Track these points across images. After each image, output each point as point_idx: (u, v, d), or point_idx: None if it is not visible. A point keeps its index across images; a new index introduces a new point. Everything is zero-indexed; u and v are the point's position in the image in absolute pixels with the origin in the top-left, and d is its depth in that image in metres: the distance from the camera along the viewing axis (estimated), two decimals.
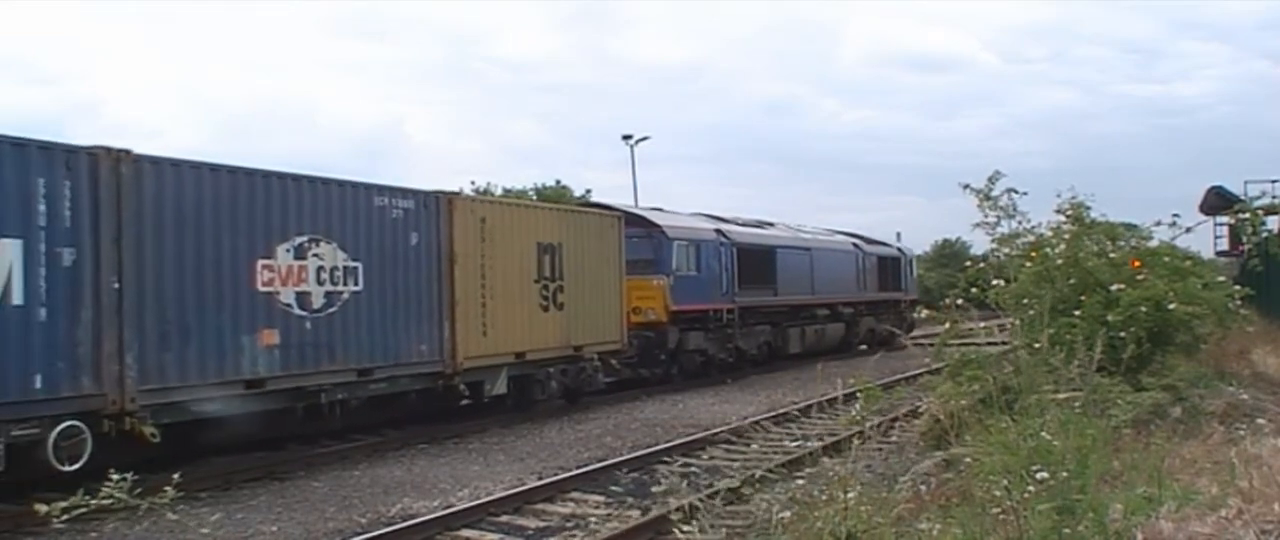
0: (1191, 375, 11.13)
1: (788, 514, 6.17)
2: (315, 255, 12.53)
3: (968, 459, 6.39)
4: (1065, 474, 4.67)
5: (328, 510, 10.29)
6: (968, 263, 11.75)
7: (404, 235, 13.95)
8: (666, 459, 12.60)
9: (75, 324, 9.85)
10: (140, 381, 10.35)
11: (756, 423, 15.16)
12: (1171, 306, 10.33)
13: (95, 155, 10.13)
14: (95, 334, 10.00)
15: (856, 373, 8.69)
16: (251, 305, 11.69)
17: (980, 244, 13.38)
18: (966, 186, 10.96)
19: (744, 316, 23.77)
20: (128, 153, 10.43)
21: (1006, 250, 11.24)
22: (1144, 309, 10.04)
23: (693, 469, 12.06)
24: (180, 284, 10.93)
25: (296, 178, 12.45)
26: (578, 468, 12.19)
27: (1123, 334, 8.93)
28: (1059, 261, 10.73)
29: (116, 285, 10.18)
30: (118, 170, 10.28)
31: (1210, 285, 12.15)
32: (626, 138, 44.99)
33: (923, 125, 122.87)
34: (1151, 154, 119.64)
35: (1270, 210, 13.04)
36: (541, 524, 9.72)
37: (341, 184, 13.10)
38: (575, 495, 10.86)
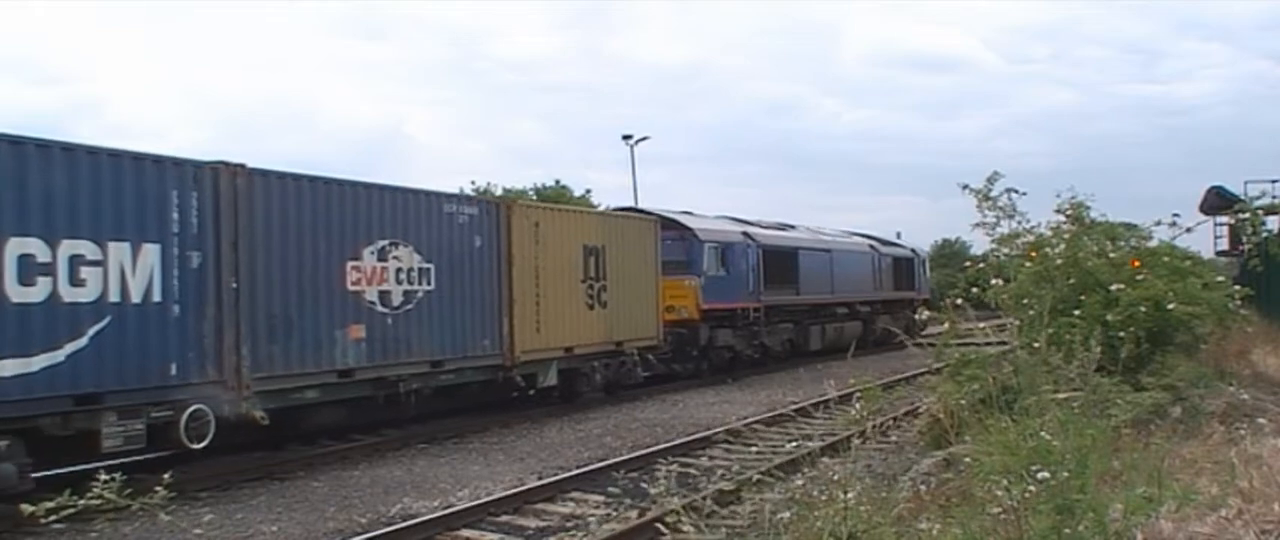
0: (1191, 375, 11.11)
1: (788, 514, 6.16)
2: (395, 258, 13.81)
3: (967, 459, 6.38)
4: (1065, 474, 4.66)
5: (328, 510, 10.29)
6: (967, 263, 11.75)
7: (469, 239, 15.28)
8: (661, 461, 12.59)
9: (202, 319, 11.14)
10: (253, 370, 11.63)
11: (753, 424, 15.16)
12: (1171, 306, 10.32)
13: (216, 170, 11.44)
14: (217, 328, 11.26)
15: (858, 372, 8.69)
16: (342, 303, 12.97)
17: (980, 244, 13.38)
18: (966, 187, 10.94)
19: (769, 315, 25.01)
20: (242, 167, 11.72)
21: (1006, 250, 11.23)
22: (1144, 309, 10.04)
23: (691, 470, 12.07)
24: (284, 284, 12.17)
25: (380, 188, 13.79)
26: (578, 468, 12.18)
27: (1122, 334, 8.92)
28: (1058, 261, 10.72)
29: (234, 285, 11.47)
30: (234, 183, 11.57)
31: (1210, 285, 12.14)
32: (626, 138, 45.04)
33: (923, 125, 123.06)
34: (1151, 154, 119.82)
35: (1270, 210, 13.03)
36: (541, 524, 9.71)
37: (417, 193, 14.44)
38: (575, 495, 10.85)
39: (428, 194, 14.65)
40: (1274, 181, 21.87)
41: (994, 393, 6.93)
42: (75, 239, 9.90)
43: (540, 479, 11.55)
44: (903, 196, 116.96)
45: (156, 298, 10.66)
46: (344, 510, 10.28)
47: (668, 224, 22.00)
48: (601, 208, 41.50)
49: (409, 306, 14.01)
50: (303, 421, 13.14)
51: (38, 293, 9.56)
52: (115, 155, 10.52)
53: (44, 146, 9.81)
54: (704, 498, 7.65)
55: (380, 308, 13.53)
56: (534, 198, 45.86)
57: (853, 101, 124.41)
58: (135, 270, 10.45)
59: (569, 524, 9.63)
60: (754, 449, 13.36)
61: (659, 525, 7.41)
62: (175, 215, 10.92)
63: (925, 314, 9.94)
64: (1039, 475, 4.63)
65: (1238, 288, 12.41)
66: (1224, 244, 25.94)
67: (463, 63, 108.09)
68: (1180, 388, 10.26)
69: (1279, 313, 18.69)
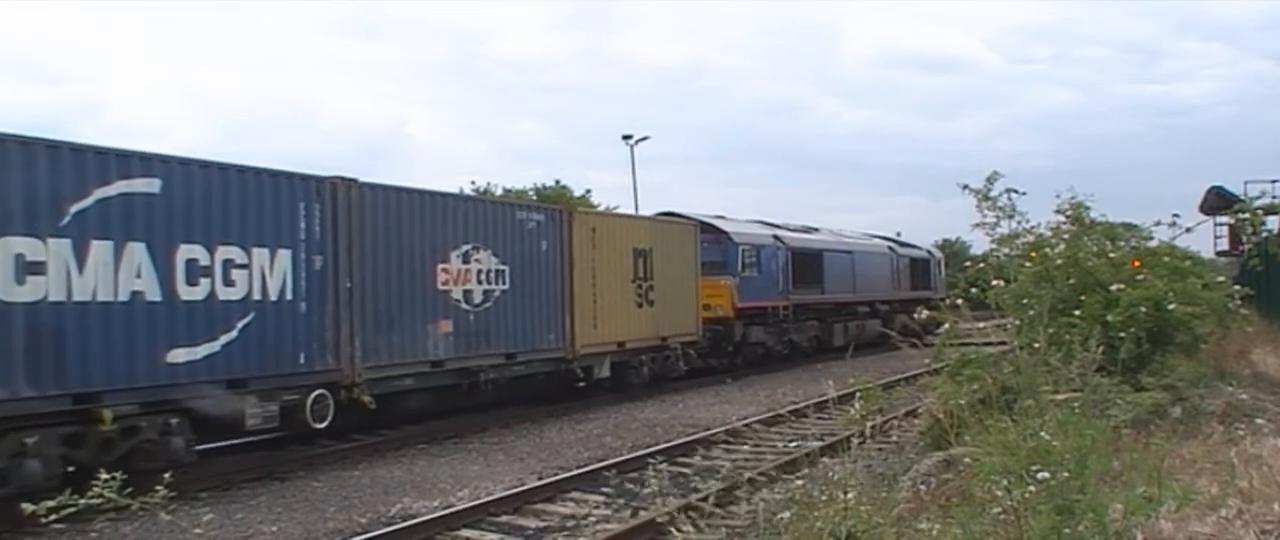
0: (1191, 375, 11.11)
1: (787, 514, 6.16)
2: (476, 260, 15.46)
3: (967, 459, 6.38)
4: (1065, 474, 4.66)
5: (328, 510, 10.29)
6: (967, 263, 11.76)
7: (537, 243, 16.85)
8: (653, 461, 12.57)
9: (323, 315, 12.70)
10: (363, 360, 13.20)
11: (753, 424, 15.16)
12: (1171, 306, 10.32)
13: (334, 184, 13.01)
14: (335, 323, 12.84)
15: (858, 372, 8.69)
16: (433, 301, 14.56)
17: (980, 244, 13.38)
18: (965, 187, 10.94)
19: (796, 313, 26.72)
20: (354, 181, 13.28)
21: (1006, 250, 11.23)
22: (1144, 309, 10.03)
23: (690, 470, 12.06)
24: (386, 284, 13.71)
25: (464, 198, 16.06)
26: (578, 468, 12.18)
27: (1122, 334, 8.92)
28: (1058, 262, 10.72)
29: (348, 285, 13.04)
30: (348, 195, 13.12)
31: (1210, 285, 12.14)
32: (627, 138, 45.01)
33: (923, 125, 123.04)
34: (1151, 154, 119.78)
35: (1270, 210, 13.02)
36: (541, 524, 9.71)
37: (494, 203, 16.70)
38: (575, 495, 10.85)
39: (503, 204, 17.00)
40: (1274, 181, 21.86)
41: (994, 393, 6.93)
42: (227, 245, 11.51)
43: (540, 479, 11.55)
44: (903, 196, 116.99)
45: (288, 296, 12.26)
46: (344, 510, 10.28)
47: (705, 228, 23.41)
48: (601, 208, 41.74)
49: (488, 304, 15.67)
50: (399, 406, 14.53)
51: (200, 292, 11.18)
52: (257, 172, 12.12)
53: (205, 166, 11.43)
54: (703, 498, 7.66)
55: (464, 305, 15.18)
56: (534, 198, 45.90)
57: (853, 101, 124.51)
58: (272, 272, 12.05)
59: (569, 524, 9.62)
60: (753, 449, 13.36)
61: (671, 527, 7.41)
62: (302, 224, 12.52)
63: (924, 313, 9.92)
64: (1039, 475, 4.63)
65: (1238, 288, 12.41)
66: (1224, 244, 25.93)
67: (463, 63, 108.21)
68: (1180, 388, 10.26)
69: (1279, 313, 18.69)
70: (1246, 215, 11.73)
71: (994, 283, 10.16)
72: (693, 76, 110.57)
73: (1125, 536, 4.71)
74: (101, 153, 10.37)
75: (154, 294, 10.66)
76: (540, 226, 17.01)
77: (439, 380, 14.85)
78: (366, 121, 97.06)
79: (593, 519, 9.76)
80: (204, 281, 11.20)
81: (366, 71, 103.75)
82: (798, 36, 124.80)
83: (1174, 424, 8.42)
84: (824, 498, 5.72)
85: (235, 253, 11.58)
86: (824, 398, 11.39)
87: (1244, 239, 13.53)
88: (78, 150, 10.17)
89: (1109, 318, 9.76)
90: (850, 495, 5.36)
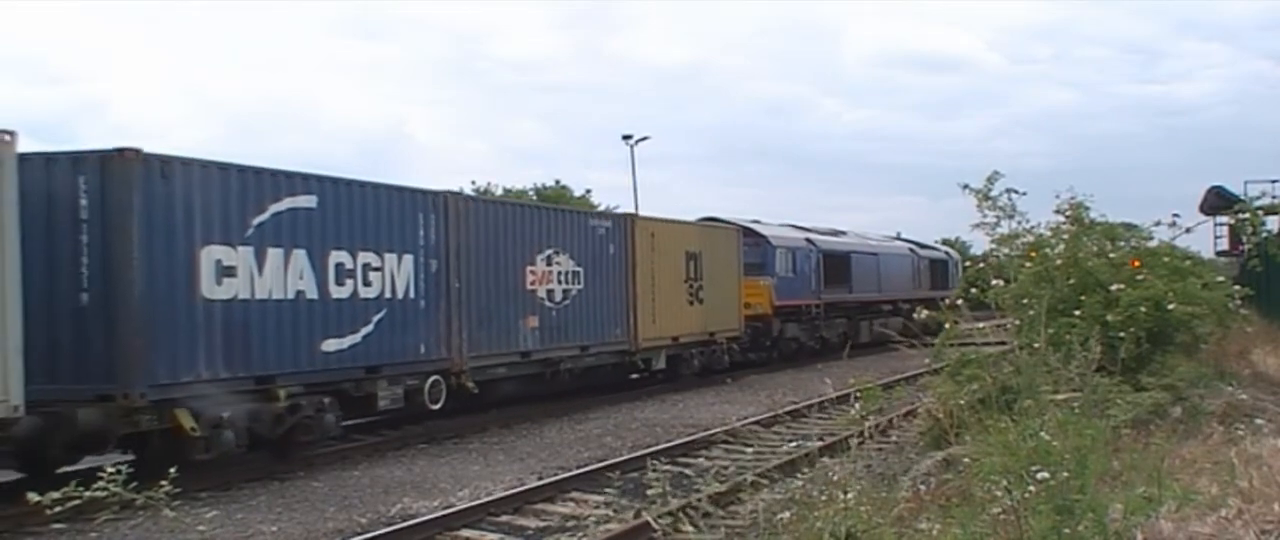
0: (1191, 375, 11.11)
1: (787, 514, 6.17)
2: (557, 262, 17.31)
3: (967, 459, 6.38)
4: (1065, 474, 4.66)
5: (328, 510, 10.29)
6: (967, 263, 11.77)
7: (606, 247, 18.89)
8: (662, 460, 12.58)
9: (437, 311, 14.52)
10: (468, 351, 15.05)
11: (752, 425, 15.16)
12: (1171, 306, 10.32)
13: (446, 197, 15.10)
14: (447, 318, 14.68)
15: (858, 372, 8.69)
16: (522, 299, 16.45)
17: (980, 244, 13.38)
18: (966, 186, 10.95)
19: (827, 311, 28.64)
20: (461, 195, 15.79)
21: (1006, 250, 11.23)
22: (1143, 309, 10.03)
23: (689, 470, 12.07)
24: (486, 284, 15.60)
25: (547, 208, 19.02)
26: (578, 468, 12.18)
27: (1122, 334, 8.92)
28: (1058, 262, 10.72)
29: (457, 285, 14.87)
30: (457, 206, 15.17)
31: (1210, 285, 12.15)
32: (627, 138, 44.97)
33: (924, 125, 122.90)
34: (1151, 154, 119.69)
35: (1270, 210, 13.04)
36: (541, 524, 9.71)
37: (571, 212, 19.20)
38: (575, 495, 10.84)
39: (578, 213, 19.34)
40: (1274, 181, 21.77)
41: (993, 393, 6.93)
42: (366, 251, 13.32)
43: (540, 479, 11.55)
44: (903, 196, 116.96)
45: (412, 295, 14.05)
46: (344, 510, 10.28)
47: (746, 232, 25.35)
48: (601, 207, 42.02)
49: (566, 302, 17.50)
50: (493, 392, 16.31)
51: (346, 291, 12.97)
52: (389, 189, 14.15)
53: (350, 183, 13.33)
54: (702, 498, 7.66)
55: (547, 303, 17.04)
56: (534, 197, 45.93)
57: (853, 101, 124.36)
58: (399, 274, 13.82)
59: (569, 524, 9.62)
60: (753, 449, 13.36)
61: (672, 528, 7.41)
62: (422, 232, 14.31)
63: (924, 313, 9.92)
64: (1039, 475, 4.63)
65: (1238, 288, 12.41)
66: (1224, 244, 25.88)
67: (463, 63, 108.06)
68: (1180, 388, 10.26)
69: (1279, 313, 18.69)
70: (1246, 215, 11.75)
71: (994, 282, 10.17)
72: (693, 76, 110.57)
73: (1125, 536, 4.71)
74: (274, 174, 12.22)
75: (312, 292, 12.48)
76: (608, 232, 19.06)
77: (526, 369, 16.89)
78: (367, 121, 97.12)
79: (593, 519, 9.75)
80: (349, 282, 13.04)
81: (367, 71, 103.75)
82: (798, 36, 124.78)
83: (1174, 424, 8.43)
84: (824, 498, 5.73)
85: (372, 257, 13.42)
86: (823, 398, 11.41)
87: (1244, 239, 13.54)
88: (258, 172, 12.03)
89: (1109, 318, 9.76)
90: (850, 495, 5.37)
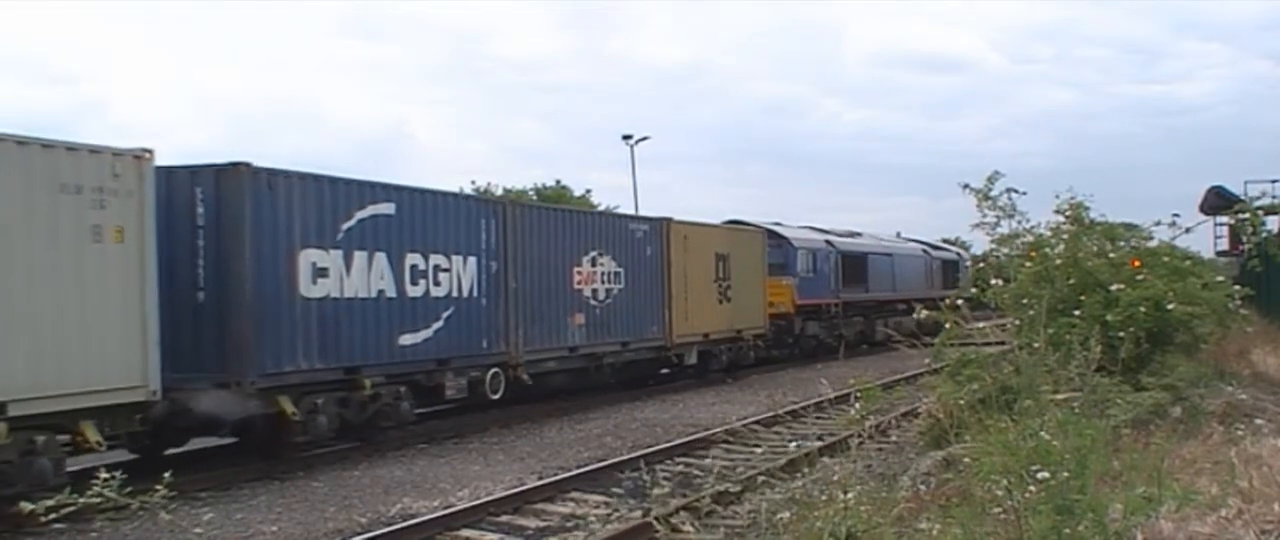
0: (1191, 375, 11.10)
1: (787, 514, 6.16)
2: (600, 264, 18.58)
3: (967, 459, 6.38)
4: (1065, 474, 4.66)
5: (328, 510, 10.28)
6: (968, 263, 11.78)
7: (643, 249, 20.13)
8: (662, 460, 12.58)
9: (497, 309, 15.81)
10: (524, 345, 16.35)
11: (752, 425, 15.16)
12: (1171, 306, 10.32)
13: (504, 203, 16.99)
14: (505, 315, 15.98)
15: (858, 372, 8.68)
16: (570, 297, 17.70)
17: (980, 244, 13.37)
18: (966, 186, 10.95)
19: (845, 309, 29.76)
20: (517, 202, 17.75)
21: (1006, 250, 11.23)
22: (1143, 309, 10.03)
23: (692, 470, 12.06)
24: (538, 283, 16.82)
25: (592, 213, 20.48)
26: (578, 468, 12.17)
27: (1122, 334, 8.92)
28: (1058, 262, 10.71)
29: (513, 284, 16.13)
30: (513, 212, 16.59)
31: (1210, 285, 12.14)
32: (627, 138, 44.97)
33: (924, 125, 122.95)
34: (1151, 154, 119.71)
35: (1270, 210, 13.03)
36: (541, 524, 9.70)
37: (613, 216, 20.93)
38: (575, 495, 10.83)
39: (619, 217, 20.79)
40: (1274, 181, 21.81)
41: (993, 393, 6.93)
42: (436, 254, 14.53)
43: (540, 479, 11.54)
44: (903, 196, 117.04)
45: (475, 294, 15.30)
46: (344, 510, 10.28)
47: (769, 234, 26.56)
48: (602, 207, 42.10)
49: (609, 301, 18.76)
50: (544, 384, 17.41)
51: (419, 290, 14.19)
52: (455, 197, 16.23)
53: (422, 192, 14.74)
54: (701, 498, 7.66)
55: (592, 301, 18.30)
56: (534, 197, 45.92)
57: (853, 101, 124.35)
58: (465, 274, 15.07)
59: (569, 524, 9.61)
60: (755, 449, 13.34)
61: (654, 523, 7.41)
62: (483, 236, 15.57)
63: (923, 313, 9.91)
64: (1039, 475, 4.63)
65: (1238, 288, 12.40)
66: (1224, 244, 25.90)
67: (464, 63, 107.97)
68: (1180, 388, 10.26)
69: (1279, 313, 18.69)
70: (1246, 215, 11.74)
71: (993, 282, 10.16)
72: (693, 76, 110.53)
73: (1125, 536, 4.71)
74: (360, 185, 13.57)
75: (391, 291, 13.68)
76: (646, 235, 20.32)
77: (574, 363, 18.18)
78: (368, 121, 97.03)
79: (593, 519, 9.74)
80: (422, 282, 14.26)
81: (367, 71, 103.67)
82: (798, 36, 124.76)
83: (1174, 424, 8.42)
84: (824, 497, 5.72)
85: (441, 259, 14.63)
86: (822, 398, 11.40)
87: (1244, 239, 13.53)
88: (346, 182, 13.28)
89: (1109, 318, 9.75)
90: (850, 495, 5.36)
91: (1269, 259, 12.62)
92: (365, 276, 13.25)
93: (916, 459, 10.52)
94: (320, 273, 12.57)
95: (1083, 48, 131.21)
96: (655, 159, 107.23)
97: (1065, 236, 11.33)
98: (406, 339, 13.93)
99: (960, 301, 9.56)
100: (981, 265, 11.24)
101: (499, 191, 47.08)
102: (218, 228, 11.65)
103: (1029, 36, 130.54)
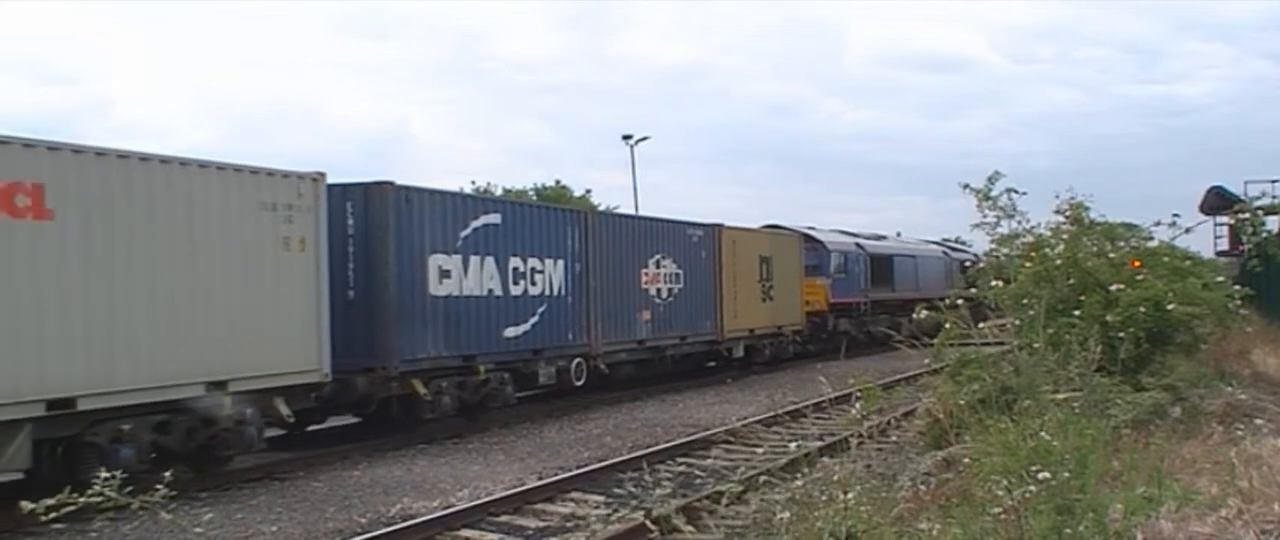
0: (1191, 375, 11.11)
1: (788, 514, 6.15)
2: (662, 265, 20.72)
3: (967, 459, 6.38)
4: (1066, 474, 4.67)
5: (328, 510, 10.28)
6: (968, 264, 11.79)
7: (699, 253, 22.20)
8: (662, 461, 12.58)
9: (580, 305, 17.94)
10: (602, 338, 18.46)
11: (752, 425, 15.16)
12: (1171, 307, 10.31)
13: (586, 214, 19.85)
14: (586, 311, 18.10)
15: (858, 372, 8.67)
16: (639, 295, 19.89)
17: (980, 244, 13.37)
18: (966, 186, 10.96)
19: (873, 307, 31.43)
20: (596, 211, 21.68)
21: (1005, 250, 11.23)
22: (1143, 309, 10.02)
23: (692, 470, 12.05)
24: (613, 283, 18.92)
25: (656, 220, 21.59)
26: (578, 468, 12.16)
27: (1122, 334, 8.92)
28: (1058, 262, 10.71)
29: (593, 284, 18.25)
30: (592, 220, 19.08)
31: (1210, 285, 12.14)
32: (627, 138, 44.95)
33: (925, 125, 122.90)
34: (1152, 154, 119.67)
35: (1270, 210, 13.02)
36: (541, 524, 9.69)
37: (674, 223, 21.78)
38: (575, 495, 10.83)
39: (679, 223, 21.91)
40: (1274, 181, 21.79)
41: (993, 393, 6.93)
42: (533, 257, 16.69)
43: (540, 479, 11.53)
44: (903, 196, 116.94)
45: (563, 292, 17.42)
46: (344, 510, 10.27)
47: (805, 238, 28.73)
48: (602, 207, 42.31)
49: (671, 299, 20.89)
50: (616, 373, 19.42)
51: (520, 289, 16.38)
52: (548, 208, 19.94)
53: (522, 204, 18.09)
54: (701, 498, 7.65)
55: (657, 299, 20.42)
56: (534, 197, 45.92)
57: (854, 101, 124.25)
58: (555, 275, 17.20)
59: (569, 524, 9.61)
60: (755, 450, 13.34)
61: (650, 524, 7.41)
62: (569, 242, 17.75)
63: (923, 313, 9.91)
64: (1039, 475, 4.63)
65: (1238, 288, 12.40)
66: (1224, 244, 25.91)
67: (465, 63, 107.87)
68: (1180, 388, 10.26)
69: (1279, 313, 18.68)
70: (1247, 215, 11.74)
71: (993, 283, 10.16)
72: (694, 76, 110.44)
73: (1125, 536, 4.71)
74: (474, 199, 17.57)
75: (498, 290, 15.82)
76: (700, 240, 22.31)
77: (641, 355, 20.34)
78: (369, 121, 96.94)
79: (593, 519, 9.74)
80: (522, 282, 16.39)
81: (369, 71, 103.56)
82: (799, 36, 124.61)
83: (1174, 424, 8.42)
84: (824, 497, 5.72)
85: (537, 262, 16.77)
86: (822, 398, 11.38)
87: (1244, 239, 13.53)
88: (464, 197, 16.60)
89: (1109, 318, 9.75)
90: (850, 495, 5.36)
91: (1269, 259, 12.62)
92: (478, 277, 15.41)
93: (916, 459, 10.52)
94: (444, 274, 14.66)
95: (1084, 48, 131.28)
96: (655, 159, 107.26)
97: (1065, 237, 11.33)
98: (510, 332, 16.11)
99: (960, 301, 9.56)
100: (981, 266, 11.23)
101: (498, 191, 47.08)
102: (366, 237, 13.70)
103: (1030, 36, 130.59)
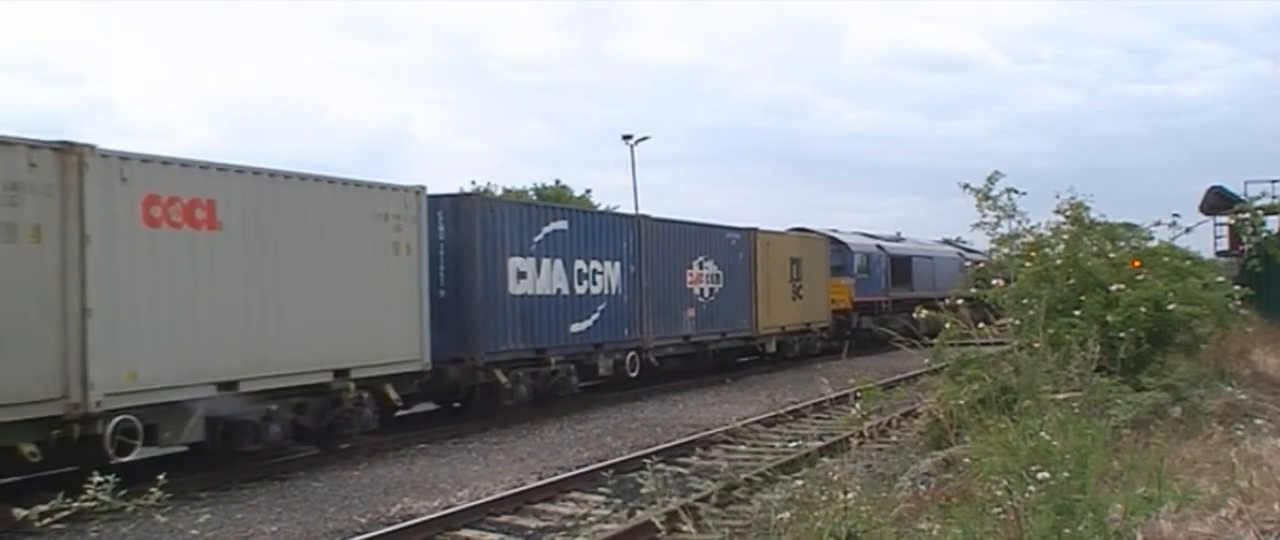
0: (1191, 375, 11.10)
1: (787, 514, 6.15)
2: (704, 267, 22.39)
3: (967, 459, 6.37)
4: (1065, 474, 4.66)
5: (328, 510, 10.27)
6: (967, 264, 11.79)
7: (736, 255, 23.81)
8: (649, 461, 12.56)
9: (634, 304, 19.74)
10: (653, 333, 20.21)
11: (752, 424, 15.15)
12: (1171, 307, 10.31)
13: (640, 219, 20.93)
14: (640, 309, 19.86)
15: (858, 372, 8.66)
16: (684, 294, 21.60)
17: (980, 244, 13.36)
18: (966, 186, 10.96)
19: (894, 306, 32.20)
20: (647, 217, 21.17)
21: (1005, 250, 11.23)
22: (1144, 309, 10.02)
23: (690, 470, 12.05)
24: (662, 283, 20.65)
25: (698, 224, 22.64)
26: (578, 468, 12.16)
27: (1122, 334, 8.91)
28: (1058, 262, 10.70)
29: (646, 284, 19.99)
30: (645, 225, 20.56)
31: (1210, 285, 12.13)
32: (627, 138, 44.90)
33: (925, 125, 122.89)
34: (1152, 154, 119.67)
35: (1270, 210, 13.03)
36: (541, 524, 9.69)
37: (714, 227, 23.22)
38: (575, 495, 10.82)
39: (718, 227, 23.38)
40: (1274, 181, 21.80)
41: (993, 393, 6.92)
42: (594, 260, 18.47)
43: (540, 479, 11.53)
44: (903, 196, 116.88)
45: (619, 292, 19.22)
46: (344, 510, 10.27)
47: (830, 240, 30.40)
48: (602, 207, 42.52)
49: (712, 298, 22.57)
50: (665, 366, 21.15)
51: (583, 289, 18.13)
52: (608, 215, 22.96)
53: (585, 213, 20.13)
54: (701, 498, 7.63)
55: (700, 298, 22.12)
56: (534, 197, 45.93)
57: (854, 101, 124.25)
58: (614, 276, 19.02)
59: (569, 524, 9.61)
60: (756, 450, 13.34)
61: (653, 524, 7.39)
62: (625, 245, 19.55)
63: (923, 313, 9.91)
64: (1039, 475, 4.62)
65: (1238, 288, 12.39)
66: (1224, 244, 25.91)
67: (465, 63, 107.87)
68: (1180, 388, 10.25)
69: (1279, 313, 18.68)
70: (1247, 215, 11.75)
71: (993, 282, 10.15)
72: (694, 76, 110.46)
73: (1125, 536, 4.70)
74: (546, 208, 19.99)
75: (565, 290, 17.55)
76: (738, 243, 23.91)
77: (686, 349, 22.06)
78: (370, 121, 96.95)
79: (593, 519, 9.73)
80: (585, 282, 18.12)
81: (369, 71, 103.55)
82: (799, 36, 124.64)
83: (1174, 424, 8.42)
84: (824, 498, 5.72)
85: (598, 264, 18.55)
86: (821, 398, 11.37)
87: (1244, 239, 13.53)
88: (537, 206, 18.69)
89: (1109, 318, 9.75)
90: (850, 495, 5.35)
91: (1269, 259, 12.62)
92: (549, 278, 17.14)
93: (916, 459, 10.52)
94: (521, 275, 16.42)
95: (1084, 48, 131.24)
96: (655, 159, 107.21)
97: (1065, 237, 11.32)
98: (575, 327, 17.82)
99: (960, 301, 9.55)
100: (983, 266, 11.23)
101: (498, 192, 47.06)
102: (455, 243, 15.39)
103: (1030, 36, 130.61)
